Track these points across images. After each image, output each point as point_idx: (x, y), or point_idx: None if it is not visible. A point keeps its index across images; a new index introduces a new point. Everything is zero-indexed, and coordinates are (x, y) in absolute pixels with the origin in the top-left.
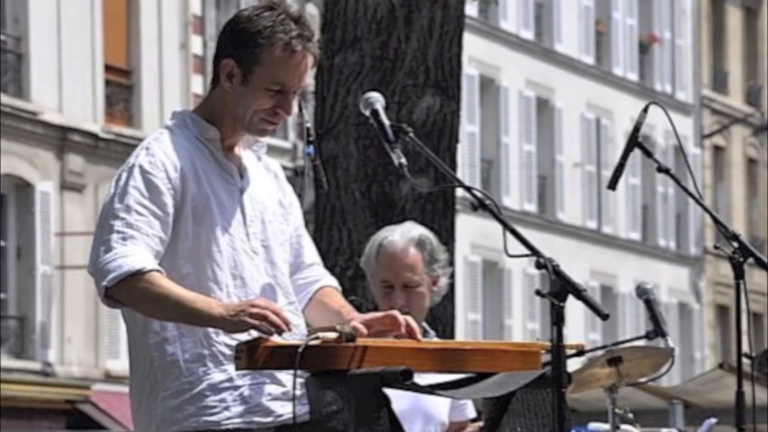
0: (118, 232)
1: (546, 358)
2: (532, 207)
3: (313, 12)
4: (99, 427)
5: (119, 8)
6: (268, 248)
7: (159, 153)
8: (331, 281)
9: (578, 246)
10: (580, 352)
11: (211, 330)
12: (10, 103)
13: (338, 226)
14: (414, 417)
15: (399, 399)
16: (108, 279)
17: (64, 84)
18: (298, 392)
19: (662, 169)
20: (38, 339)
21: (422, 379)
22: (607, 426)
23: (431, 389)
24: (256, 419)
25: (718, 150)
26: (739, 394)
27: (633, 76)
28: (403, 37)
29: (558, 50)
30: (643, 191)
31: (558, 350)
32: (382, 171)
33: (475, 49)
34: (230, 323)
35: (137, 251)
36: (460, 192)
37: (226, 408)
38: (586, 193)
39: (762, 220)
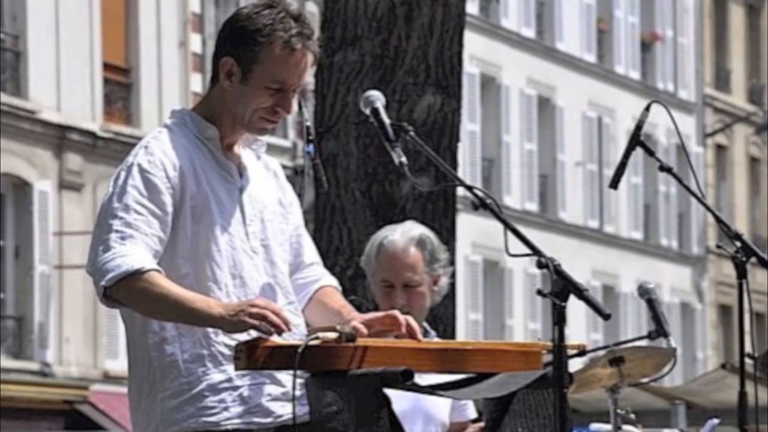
0: (117, 231)
1: (547, 358)
2: (533, 206)
3: (312, 10)
4: (97, 428)
5: (118, 6)
6: (267, 247)
7: (158, 152)
8: (331, 281)
9: (580, 245)
10: (582, 352)
11: (210, 330)
12: (8, 102)
13: (338, 226)
14: (414, 417)
15: (399, 399)
16: (107, 279)
17: (62, 82)
18: (297, 393)
19: (664, 168)
20: (36, 339)
21: (423, 379)
22: (608, 426)
23: (432, 389)
24: (256, 420)
25: (720, 149)
26: (742, 394)
27: (635, 75)
28: (404, 35)
29: (559, 48)
30: (645, 190)
31: (559, 350)
32: (382, 170)
33: (476, 48)
34: (229, 323)
35: (136, 251)
36: (461, 191)
37: (226, 408)
38: (587, 192)
39: (765, 219)
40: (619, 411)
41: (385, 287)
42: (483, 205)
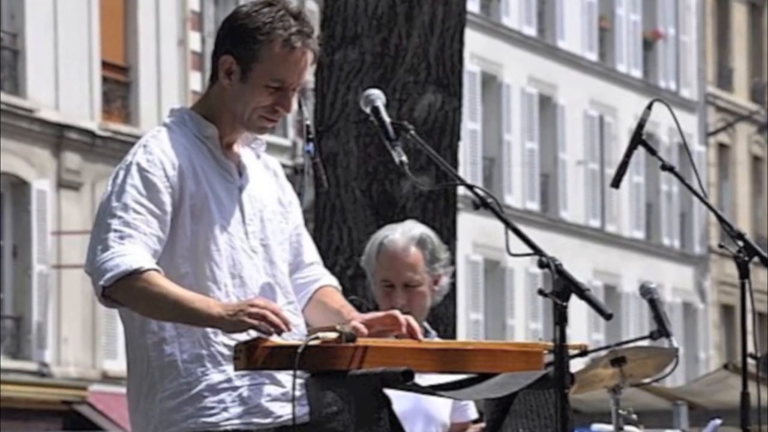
0: (116, 230)
1: (549, 358)
2: (534, 205)
3: (312, 8)
4: (96, 429)
5: (116, 4)
6: (267, 247)
7: (157, 151)
8: (331, 280)
9: (581, 245)
10: (584, 352)
11: (209, 330)
12: (6, 101)
13: (338, 225)
14: (415, 418)
15: (400, 400)
16: (105, 278)
17: (60, 81)
18: (297, 393)
19: (666, 167)
20: (34, 339)
21: (423, 379)
22: (610, 427)
23: (432, 390)
24: (255, 420)
25: (722, 148)
26: (744, 394)
27: (637, 73)
28: (404, 34)
29: (561, 47)
30: (647, 189)
31: (561, 350)
32: (382, 169)
33: (476, 46)
34: (229, 323)
35: (135, 250)
36: (461, 190)
37: (225, 409)
38: (589, 192)
39: (767, 218)
40: (620, 411)
41: (385, 287)
42: (484, 205)
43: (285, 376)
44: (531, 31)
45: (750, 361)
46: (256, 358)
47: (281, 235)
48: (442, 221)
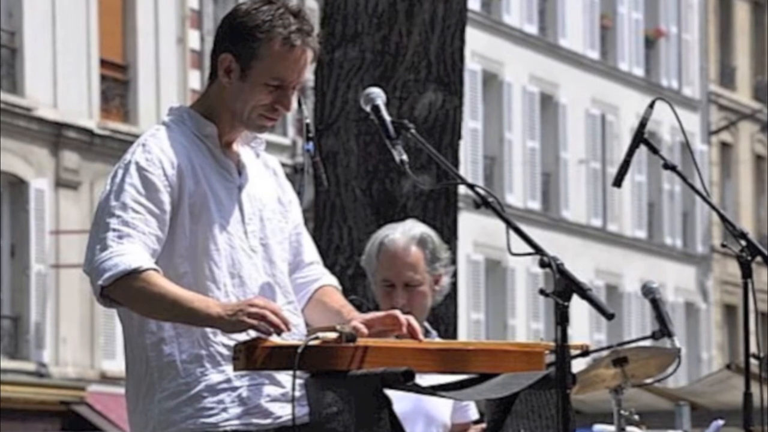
0: (114, 230)
1: (550, 358)
2: (535, 204)
3: (312, 6)
4: (94, 429)
5: (115, 2)
6: (266, 246)
7: (155, 149)
8: (331, 280)
9: (583, 244)
10: (585, 352)
11: (208, 330)
12: (4, 99)
13: (338, 224)
14: (416, 419)
15: (400, 400)
16: (104, 278)
17: (58, 79)
18: (297, 393)
19: (668, 166)
20: (33, 339)
21: (424, 380)
22: (612, 428)
23: (433, 390)
24: (255, 421)
25: (725, 146)
26: (747, 395)
27: (639, 72)
28: (405, 32)
29: (562, 45)
30: (649, 188)
31: (562, 351)
32: (383, 168)
33: (477, 44)
34: (228, 323)
35: (133, 250)
36: (462, 189)
37: (224, 409)
38: (590, 191)
39: None
40: (622, 412)
41: (385, 287)
42: (485, 204)
43: (285, 377)
44: (532, 29)
45: (753, 361)
46: (255, 358)
47: (281, 234)
48: (442, 220)
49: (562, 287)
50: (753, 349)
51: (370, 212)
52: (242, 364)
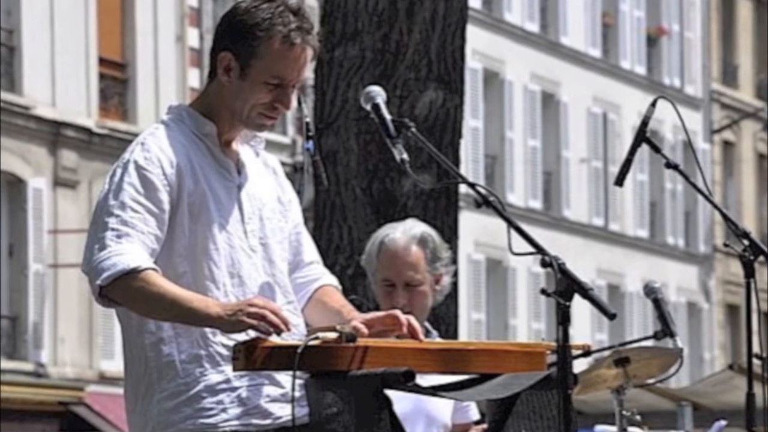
0: (113, 229)
1: (551, 358)
2: (537, 204)
3: (312, 4)
4: (93, 430)
5: (114, 0)
6: (266, 246)
7: (154, 148)
8: (331, 280)
9: (584, 244)
10: (587, 352)
11: (208, 330)
12: (2, 98)
13: (338, 224)
14: (416, 419)
15: (401, 401)
16: (102, 278)
17: (57, 78)
18: (297, 394)
19: (671, 165)
20: (31, 339)
21: (425, 380)
22: (614, 428)
23: (434, 391)
24: (254, 421)
25: (727, 145)
26: (750, 395)
27: (641, 70)
28: (405, 30)
29: (564, 43)
30: (651, 188)
31: (564, 351)
32: (383, 167)
33: (478, 42)
34: (228, 323)
35: (132, 249)
36: (463, 188)
37: (224, 410)
38: (592, 190)
39: None
40: (624, 412)
41: (386, 286)
42: (486, 203)
43: (284, 377)
44: (534, 27)
45: (755, 361)
46: (255, 358)
47: (280, 233)
48: (443, 220)
49: (564, 287)
50: (756, 349)
51: (370, 211)
52: (242, 365)
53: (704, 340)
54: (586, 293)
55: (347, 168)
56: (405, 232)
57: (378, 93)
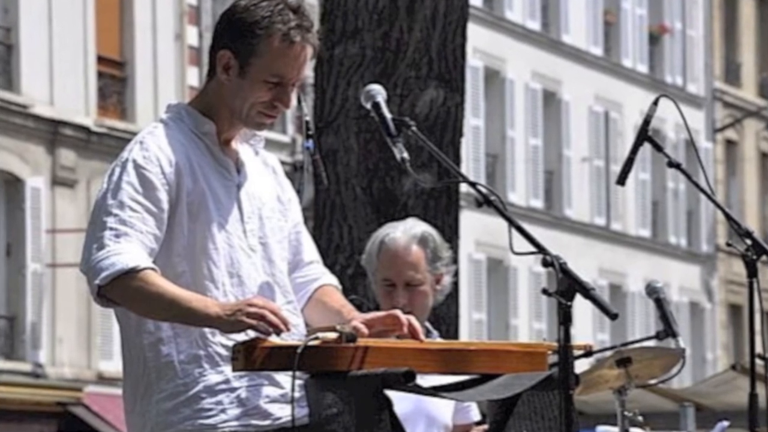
0: (111, 228)
1: (553, 359)
2: (538, 203)
3: (312, 2)
4: (91, 430)
5: None
6: (266, 245)
7: (153, 147)
8: (331, 280)
9: (586, 243)
10: (588, 352)
11: (207, 330)
12: (0, 96)
13: (338, 223)
14: (417, 420)
15: (401, 401)
16: (101, 277)
17: (55, 76)
18: (296, 394)
19: (673, 164)
20: (29, 339)
21: (425, 380)
22: (616, 429)
23: (434, 391)
24: (254, 422)
25: (730, 144)
26: (753, 396)
27: (643, 68)
28: (406, 28)
29: (565, 41)
30: (653, 187)
31: (565, 351)
32: (383, 166)
33: (479, 40)
34: (227, 323)
35: (131, 249)
36: (464, 187)
37: (223, 410)
38: (594, 189)
39: None
40: (626, 413)
41: (386, 286)
42: (487, 202)
43: (284, 377)
44: (535, 25)
45: (758, 361)
46: (254, 358)
47: (280, 233)
48: (444, 219)
49: (565, 287)
50: (759, 349)
51: (370, 211)
52: (241, 365)
53: (707, 340)
54: (587, 293)
55: (347, 167)
56: (405, 232)
57: (378, 91)
